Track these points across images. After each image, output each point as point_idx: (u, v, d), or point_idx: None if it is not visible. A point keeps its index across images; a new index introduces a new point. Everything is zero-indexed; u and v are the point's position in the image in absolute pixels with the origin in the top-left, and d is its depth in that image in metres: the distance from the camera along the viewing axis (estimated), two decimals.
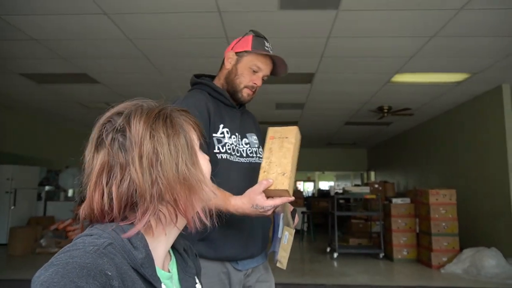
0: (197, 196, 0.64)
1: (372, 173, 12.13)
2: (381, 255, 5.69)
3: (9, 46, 4.09)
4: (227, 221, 1.25)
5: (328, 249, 6.27)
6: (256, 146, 1.44)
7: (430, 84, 5.25)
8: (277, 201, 1.11)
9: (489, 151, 5.39)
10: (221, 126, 1.34)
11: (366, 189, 6.00)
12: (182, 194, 0.62)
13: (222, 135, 1.33)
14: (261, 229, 1.37)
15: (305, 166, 12.89)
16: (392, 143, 9.92)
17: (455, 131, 6.44)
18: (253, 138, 1.44)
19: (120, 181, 0.59)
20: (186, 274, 0.72)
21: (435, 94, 5.73)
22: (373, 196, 5.94)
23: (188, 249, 0.78)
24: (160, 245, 0.65)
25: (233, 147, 1.34)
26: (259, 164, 1.30)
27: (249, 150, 1.40)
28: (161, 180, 0.60)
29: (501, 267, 4.49)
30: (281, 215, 1.31)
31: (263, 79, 1.41)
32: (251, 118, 1.54)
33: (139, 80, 5.27)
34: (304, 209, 8.98)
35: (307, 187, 20.06)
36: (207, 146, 1.28)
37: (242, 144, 1.38)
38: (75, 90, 5.82)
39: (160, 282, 0.61)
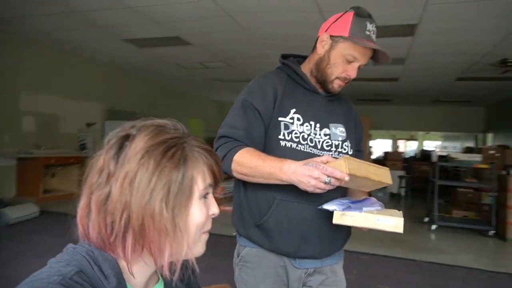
0: (167, 242, 0.58)
1: (490, 136, 10.52)
2: (491, 232, 5.00)
3: (112, 15, 4.40)
4: (285, 213, 1.15)
5: (426, 219, 5.76)
6: (340, 139, 1.25)
7: None
8: (332, 170, 0.96)
9: None
10: (293, 111, 1.20)
11: (477, 157, 5.17)
12: (150, 231, 0.56)
13: (291, 121, 1.19)
14: (325, 229, 1.19)
15: (407, 125, 11.83)
16: None
17: None
18: (339, 130, 1.26)
19: (102, 189, 0.57)
20: None
21: None
22: (485, 166, 5.13)
23: (188, 265, 0.70)
24: (140, 270, 0.61)
25: (303, 135, 1.18)
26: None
27: (327, 142, 1.22)
28: (132, 205, 0.56)
29: None
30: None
31: (359, 69, 1.19)
32: (345, 108, 1.33)
33: (227, 39, 5.26)
34: (402, 173, 8.34)
35: (409, 146, 18.60)
36: (270, 128, 1.18)
37: (319, 135, 1.21)
38: (171, 52, 6.11)
39: None
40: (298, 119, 1.19)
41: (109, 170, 0.58)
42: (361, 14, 1.16)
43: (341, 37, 1.16)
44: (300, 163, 1.01)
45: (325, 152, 1.20)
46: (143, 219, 0.56)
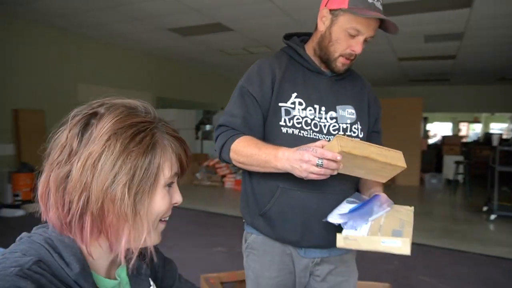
0: (126, 228, 0.56)
1: None
2: None
3: (156, 5, 4.51)
4: (288, 202, 1.11)
5: (485, 208, 5.32)
6: (348, 122, 1.16)
7: None
8: (323, 151, 0.90)
9: None
10: (294, 95, 1.14)
11: None
12: (110, 215, 0.55)
13: (292, 106, 1.13)
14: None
15: (469, 106, 10.92)
16: None
17: None
18: (347, 112, 1.17)
19: (62, 167, 0.55)
20: (138, 278, 0.68)
21: None
22: None
23: (146, 253, 0.69)
24: (101, 254, 0.60)
25: (306, 120, 1.12)
26: None
27: (334, 126, 1.15)
28: (92, 187, 0.54)
29: None
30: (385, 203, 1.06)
31: (365, 42, 1.10)
32: (357, 87, 1.24)
33: (269, 24, 5.17)
34: (459, 158, 7.76)
35: (473, 129, 17.20)
36: (270, 115, 1.13)
37: (325, 118, 1.14)
38: (214, 39, 6.16)
39: None
40: (300, 103, 1.13)
41: (72, 148, 0.55)
42: None
43: (341, 9, 1.06)
44: (294, 149, 0.96)
45: (332, 137, 1.13)
46: (103, 202, 0.54)
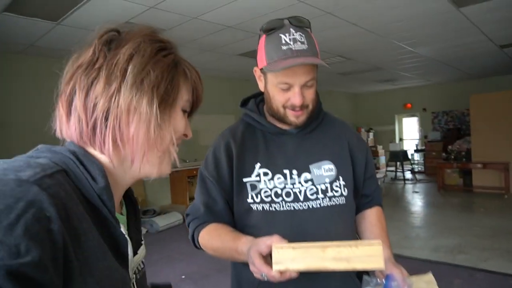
0: (146, 139, 0.55)
1: None
2: None
3: (220, 36, 4.72)
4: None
5: None
6: (327, 180, 1.01)
7: None
8: (260, 265, 0.77)
9: None
10: (257, 165, 1.02)
11: None
12: (133, 123, 0.54)
13: (257, 179, 1.01)
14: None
15: None
16: None
17: None
18: (324, 170, 1.02)
19: (90, 69, 0.54)
20: (134, 225, 0.65)
21: None
22: None
23: (134, 198, 0.69)
24: (116, 185, 0.58)
25: (276, 191, 0.99)
26: (326, 208, 0.98)
27: (311, 189, 1.00)
28: (121, 89, 0.53)
29: None
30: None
31: (309, 87, 0.96)
32: (331, 135, 1.08)
33: (336, 35, 4.96)
34: None
35: None
36: (236, 194, 1.02)
37: (299, 183, 1.00)
38: None
39: (118, 222, 0.55)
40: (266, 174, 1.00)
41: (102, 51, 0.54)
42: (270, 28, 0.95)
43: (263, 68, 0.98)
44: (248, 243, 0.85)
45: (311, 202, 0.98)
46: (129, 107, 0.53)
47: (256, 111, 1.09)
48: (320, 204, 0.99)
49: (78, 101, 0.53)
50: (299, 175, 1.01)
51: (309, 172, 1.01)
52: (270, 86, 0.99)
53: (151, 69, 0.54)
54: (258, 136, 1.07)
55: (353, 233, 1.09)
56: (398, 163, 9.49)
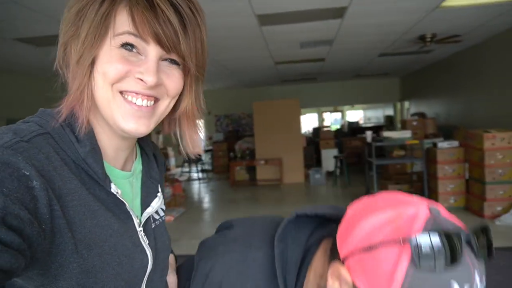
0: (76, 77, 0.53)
1: (406, 103, 11.28)
2: None
3: None
4: None
5: None
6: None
7: (487, 4, 4.30)
8: None
9: None
10: None
11: (407, 133, 5.38)
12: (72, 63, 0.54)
13: None
14: None
15: (333, 100, 12.17)
16: (431, 71, 8.94)
17: (510, 55, 5.51)
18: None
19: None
20: (149, 179, 0.68)
21: (492, 15, 4.76)
22: (416, 142, 5.35)
23: (158, 155, 0.73)
24: (104, 138, 0.58)
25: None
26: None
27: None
28: (61, 31, 0.55)
29: None
30: None
31: None
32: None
33: None
34: (335, 152, 8.53)
35: (334, 118, 19.41)
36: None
37: None
38: None
39: (110, 181, 0.57)
40: None
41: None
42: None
43: None
44: None
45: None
46: (69, 40, 0.53)
47: None
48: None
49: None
50: None
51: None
52: None
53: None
54: None
55: None
56: (189, 164, 9.90)
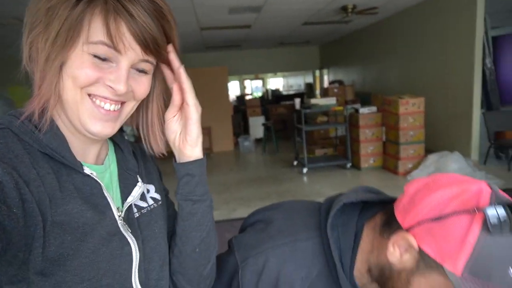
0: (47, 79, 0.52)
1: (325, 71, 11.88)
2: (349, 165, 5.76)
3: None
4: None
5: (295, 163, 6.22)
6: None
7: None
8: None
9: (456, 49, 5.22)
10: None
11: (332, 100, 5.70)
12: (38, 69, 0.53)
13: None
14: None
15: (257, 68, 12.26)
16: (348, 41, 9.48)
17: (420, 27, 6.10)
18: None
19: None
20: (125, 171, 0.68)
21: None
22: (341, 108, 5.72)
23: (138, 151, 0.73)
24: (68, 134, 0.58)
25: None
26: None
27: None
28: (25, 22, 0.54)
29: (463, 170, 4.72)
30: None
31: None
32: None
33: None
34: (263, 119, 8.71)
35: (255, 85, 19.64)
36: None
37: None
38: None
39: (81, 165, 0.57)
40: None
41: None
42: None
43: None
44: None
45: None
46: (36, 39, 0.52)
47: None
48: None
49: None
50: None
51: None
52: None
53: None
54: None
55: None
56: None
